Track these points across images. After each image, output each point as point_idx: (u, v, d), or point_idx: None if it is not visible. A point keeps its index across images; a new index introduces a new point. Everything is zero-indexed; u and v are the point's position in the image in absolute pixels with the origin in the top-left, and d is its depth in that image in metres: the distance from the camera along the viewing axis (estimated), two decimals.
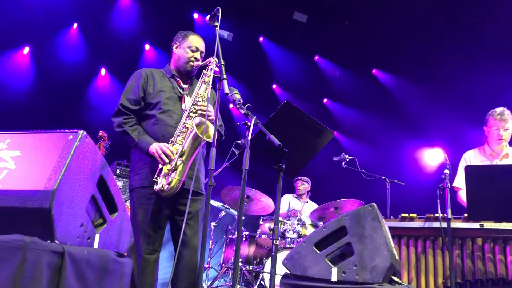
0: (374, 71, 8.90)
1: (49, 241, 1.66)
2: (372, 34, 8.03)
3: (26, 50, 7.50)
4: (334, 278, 2.51)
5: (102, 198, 1.98)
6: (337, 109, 9.22)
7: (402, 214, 3.49)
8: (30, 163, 1.77)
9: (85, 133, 1.83)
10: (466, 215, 3.35)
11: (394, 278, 2.58)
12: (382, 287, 2.41)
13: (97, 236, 1.93)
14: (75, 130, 1.82)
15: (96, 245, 1.92)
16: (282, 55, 8.91)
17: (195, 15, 8.24)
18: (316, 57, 9.13)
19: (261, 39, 8.93)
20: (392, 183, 5.11)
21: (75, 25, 7.77)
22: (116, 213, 2.07)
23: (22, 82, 7.41)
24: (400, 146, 7.93)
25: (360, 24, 8.04)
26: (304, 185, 6.12)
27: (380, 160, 7.64)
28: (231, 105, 8.89)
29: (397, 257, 2.62)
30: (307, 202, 6.19)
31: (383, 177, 5.12)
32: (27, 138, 1.85)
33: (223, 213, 5.53)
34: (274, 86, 9.33)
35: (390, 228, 2.78)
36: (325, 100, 9.38)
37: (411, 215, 3.48)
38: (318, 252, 2.59)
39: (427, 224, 3.41)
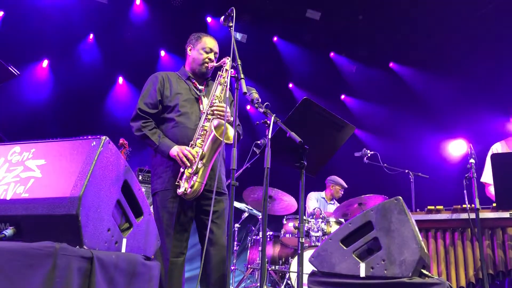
0: (391, 64, 8.80)
1: (77, 246, 1.67)
2: (387, 27, 7.94)
3: (45, 63, 7.64)
4: (362, 273, 2.48)
5: (127, 202, 1.99)
6: (355, 105, 9.14)
7: (428, 207, 3.44)
8: (56, 170, 1.79)
9: (107, 138, 1.85)
10: (494, 204, 3.28)
11: (424, 271, 2.54)
12: (412, 281, 2.37)
13: (124, 241, 1.94)
14: (98, 136, 1.84)
15: (123, 250, 1.94)
16: (297, 54, 8.87)
17: (209, 19, 8.27)
18: (332, 54, 9.07)
19: (275, 39, 8.92)
20: (416, 176, 5.03)
21: (91, 36, 7.88)
22: (142, 217, 2.08)
23: (42, 94, 7.55)
24: (421, 139, 7.82)
25: (374, 17, 7.95)
26: (342, 191, 6.09)
27: (402, 154, 7.54)
28: (248, 107, 8.90)
29: (425, 250, 2.58)
30: (333, 202, 6.16)
31: (407, 171, 5.05)
32: (51, 147, 1.88)
33: (246, 214, 5.53)
34: (290, 85, 9.30)
35: (416, 221, 2.74)
36: (342, 96, 9.31)
37: (437, 207, 3.42)
38: (345, 248, 2.57)
39: (454, 216, 3.36)
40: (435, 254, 3.35)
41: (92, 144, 1.81)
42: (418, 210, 3.55)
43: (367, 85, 8.87)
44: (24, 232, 1.75)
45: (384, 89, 8.70)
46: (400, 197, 2.59)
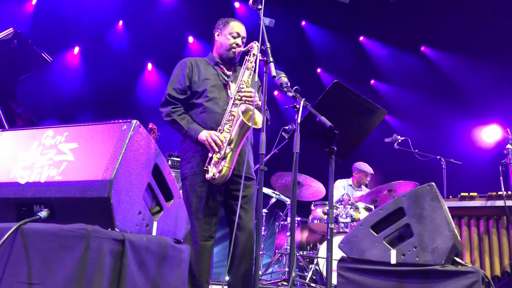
0: (422, 48, 8.56)
1: (109, 229, 1.69)
2: (418, 9, 7.70)
3: (77, 50, 7.77)
4: (393, 260, 2.44)
5: (158, 186, 2.01)
6: (385, 90, 8.95)
7: (462, 194, 3.35)
8: (87, 154, 1.81)
9: (138, 122, 1.86)
10: None
11: (457, 259, 2.48)
12: (444, 268, 2.32)
13: (155, 224, 1.96)
14: (129, 120, 1.85)
15: (154, 232, 1.95)
16: (326, 38, 8.74)
17: (237, 4, 8.22)
18: (361, 38, 8.89)
19: (303, 23, 8.79)
20: (448, 163, 4.91)
21: (120, 23, 7.95)
22: (172, 200, 2.10)
23: (74, 81, 7.69)
24: (453, 124, 7.61)
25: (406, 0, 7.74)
26: (368, 178, 5.98)
27: (434, 140, 7.36)
28: (276, 92, 8.84)
29: (458, 238, 2.51)
30: (360, 189, 6.07)
31: (438, 157, 4.93)
32: (83, 130, 1.90)
33: (273, 200, 5.53)
34: (318, 70, 9.19)
35: (449, 208, 2.66)
36: (372, 81, 9.14)
37: (471, 194, 3.33)
38: (375, 234, 2.53)
39: (489, 203, 3.26)
40: (468, 242, 3.28)
41: (123, 128, 1.83)
42: (450, 197, 3.46)
43: (398, 69, 8.66)
44: (58, 214, 1.78)
45: (415, 74, 8.48)
46: (433, 183, 2.53)
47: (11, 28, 3.46)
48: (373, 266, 2.46)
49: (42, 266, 1.59)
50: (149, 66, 8.32)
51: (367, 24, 8.48)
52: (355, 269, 2.51)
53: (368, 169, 6.00)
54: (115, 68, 7.71)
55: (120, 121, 1.85)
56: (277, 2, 7.74)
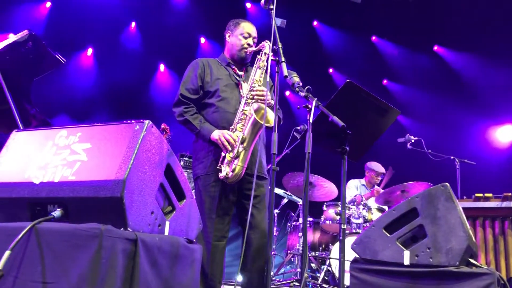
0: (435, 47, 8.48)
1: (122, 228, 1.70)
2: (431, 8, 7.63)
3: (90, 51, 7.84)
4: (406, 261, 2.42)
5: (170, 185, 2.01)
6: (398, 90, 8.89)
7: (476, 194, 3.31)
8: (100, 154, 1.82)
9: (150, 122, 1.87)
10: None
11: (472, 260, 2.44)
12: (459, 270, 2.29)
13: (167, 223, 1.97)
14: (141, 120, 1.86)
15: (166, 232, 1.96)
16: (338, 38, 8.70)
17: (248, 5, 8.22)
18: (373, 38, 8.84)
19: (315, 23, 8.76)
20: (462, 163, 4.85)
21: (133, 24, 8.01)
22: (184, 200, 2.10)
23: (87, 82, 7.77)
24: (467, 125, 7.52)
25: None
26: (379, 178, 5.91)
27: (447, 140, 7.28)
28: (287, 92, 8.82)
29: (473, 239, 2.48)
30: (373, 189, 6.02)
31: (452, 157, 4.88)
32: (96, 131, 1.91)
33: (285, 200, 5.51)
34: (330, 70, 9.15)
35: (463, 209, 2.63)
36: (385, 81, 9.07)
37: (486, 194, 3.28)
38: (388, 235, 2.51)
39: (505, 204, 3.21)
40: (483, 243, 3.23)
41: (136, 128, 1.83)
42: (465, 197, 3.42)
43: (411, 69, 8.59)
44: (71, 213, 1.79)
45: (428, 73, 8.41)
46: (447, 183, 2.50)
47: (26, 31, 3.50)
48: (386, 267, 2.44)
49: (56, 265, 1.60)
50: (162, 67, 8.37)
51: (379, 24, 8.42)
52: (368, 270, 2.49)
53: (379, 168, 5.94)
54: (128, 69, 7.77)
55: (132, 121, 1.86)
56: (289, 3, 7.73)
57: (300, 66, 8.10)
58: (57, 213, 1.77)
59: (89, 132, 1.92)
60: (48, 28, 7.23)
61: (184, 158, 5.47)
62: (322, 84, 8.60)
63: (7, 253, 1.58)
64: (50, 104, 7.07)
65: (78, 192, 1.76)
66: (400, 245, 2.46)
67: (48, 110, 7.19)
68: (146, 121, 1.87)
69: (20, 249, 1.64)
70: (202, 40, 8.40)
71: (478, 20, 7.31)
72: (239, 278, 2.96)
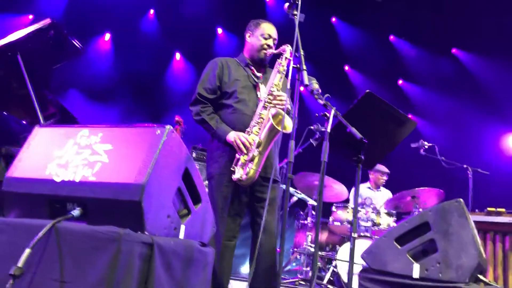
0: (453, 50, 8.39)
1: (139, 232, 1.73)
2: (450, 9, 7.53)
3: (108, 36, 7.87)
4: (416, 274, 2.43)
5: (187, 189, 2.04)
6: (413, 91, 8.80)
7: (488, 209, 3.30)
8: (121, 156, 1.85)
9: (171, 128, 1.88)
10: None
11: (481, 277, 2.45)
12: (468, 287, 2.30)
13: (183, 227, 2.00)
14: (163, 125, 1.88)
15: (181, 235, 1.99)
16: (355, 36, 8.63)
17: None
18: (391, 37, 8.76)
19: (333, 19, 8.70)
20: (475, 172, 4.83)
21: (151, 11, 8.01)
22: (200, 204, 2.13)
23: (104, 66, 7.82)
24: (483, 132, 7.44)
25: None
26: (384, 177, 5.90)
27: (461, 146, 7.21)
28: (302, 88, 8.77)
29: (484, 256, 2.48)
30: (380, 190, 6.01)
31: (465, 166, 4.85)
32: (117, 132, 1.93)
33: (295, 199, 5.53)
34: (346, 67, 9.10)
35: (474, 222, 2.63)
36: (400, 81, 9.00)
37: (498, 209, 3.27)
38: (399, 247, 2.53)
39: None
40: (492, 257, 3.23)
41: (157, 133, 1.85)
42: (477, 210, 3.41)
43: (427, 71, 8.50)
44: (90, 213, 1.83)
45: (445, 76, 8.31)
46: (461, 199, 2.50)
47: (48, 19, 3.51)
48: (395, 278, 2.46)
49: (74, 265, 1.64)
50: (177, 55, 8.38)
51: (397, 23, 8.34)
52: (377, 281, 2.51)
53: (384, 168, 5.93)
54: (145, 55, 7.81)
55: (154, 125, 1.88)
56: None
57: (317, 62, 8.05)
58: (76, 212, 1.80)
59: (111, 133, 1.94)
60: (67, 11, 7.26)
61: (197, 151, 5.49)
62: (337, 80, 8.55)
63: (27, 251, 1.62)
64: (66, 86, 7.15)
65: (98, 193, 1.79)
66: (410, 258, 2.48)
67: (64, 92, 7.28)
68: (167, 126, 1.88)
69: (40, 247, 1.68)
70: (219, 30, 8.37)
71: (498, 24, 7.20)
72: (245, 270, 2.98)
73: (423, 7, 7.77)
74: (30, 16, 7.05)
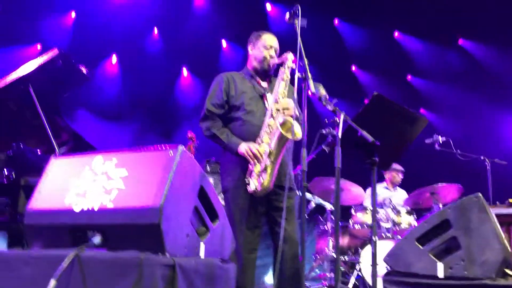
0: (460, 41, 8.31)
1: (160, 253, 1.75)
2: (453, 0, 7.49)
3: (114, 59, 7.98)
4: (440, 274, 2.41)
5: (204, 207, 2.05)
6: (423, 85, 8.72)
7: (510, 200, 3.25)
8: (137, 181, 1.87)
9: (183, 148, 1.91)
10: None
11: (508, 271, 2.42)
12: (495, 283, 2.27)
13: (202, 245, 2.01)
14: (175, 146, 1.90)
15: (202, 254, 2.00)
16: (359, 35, 8.61)
17: (268, 7, 8.21)
18: (396, 33, 8.72)
19: (336, 21, 8.70)
20: (493, 163, 4.76)
21: (155, 30, 8.11)
22: (218, 221, 2.14)
23: (113, 89, 7.93)
24: (497, 121, 7.34)
25: None
26: (400, 175, 5.86)
27: (476, 138, 7.11)
28: (310, 91, 8.76)
29: (509, 249, 2.45)
30: (396, 190, 5.96)
31: (482, 157, 4.79)
32: (131, 157, 1.96)
33: (313, 204, 5.51)
34: (353, 68, 9.07)
35: (496, 215, 2.59)
36: (409, 77, 8.93)
37: None
38: (421, 247, 2.50)
39: None
40: None
41: (170, 155, 1.88)
42: (498, 203, 3.37)
43: (435, 64, 8.43)
44: (110, 239, 1.85)
45: (454, 68, 8.23)
46: (480, 193, 2.48)
47: (56, 49, 3.58)
48: (420, 279, 2.44)
49: None
50: (185, 72, 8.45)
51: (400, 18, 8.30)
52: (402, 283, 2.49)
53: (398, 166, 5.88)
54: (152, 74, 7.88)
55: (166, 147, 1.90)
56: (310, 1, 7.69)
57: (323, 64, 8.05)
58: (97, 239, 1.83)
59: (124, 158, 1.97)
60: (74, 37, 7.39)
61: (211, 164, 5.51)
62: (346, 82, 8.52)
63: (53, 282, 1.64)
64: (77, 111, 7.26)
65: (117, 219, 1.82)
66: (433, 257, 2.45)
67: (76, 117, 7.38)
68: (180, 147, 1.91)
69: (64, 278, 1.70)
70: (224, 43, 8.43)
71: (502, 10, 7.12)
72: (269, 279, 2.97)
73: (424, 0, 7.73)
74: (39, 47, 7.19)
